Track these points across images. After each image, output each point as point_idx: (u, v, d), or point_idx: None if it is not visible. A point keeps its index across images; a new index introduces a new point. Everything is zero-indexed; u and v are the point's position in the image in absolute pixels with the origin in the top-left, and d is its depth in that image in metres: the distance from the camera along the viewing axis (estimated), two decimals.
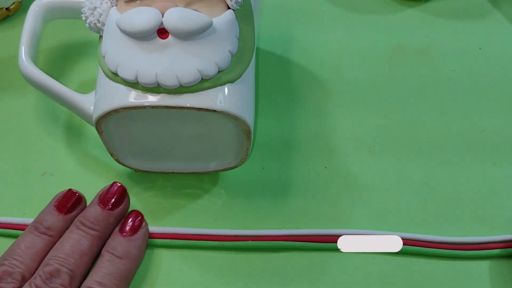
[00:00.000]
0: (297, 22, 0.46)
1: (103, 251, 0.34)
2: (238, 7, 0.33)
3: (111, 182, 0.36)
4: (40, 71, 0.36)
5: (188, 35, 0.31)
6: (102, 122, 0.33)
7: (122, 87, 0.32)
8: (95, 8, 0.33)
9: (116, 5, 0.33)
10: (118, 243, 0.34)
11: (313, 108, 0.41)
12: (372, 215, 0.37)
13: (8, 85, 0.42)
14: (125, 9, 0.32)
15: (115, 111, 0.32)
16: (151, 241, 0.36)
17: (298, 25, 0.45)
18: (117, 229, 0.35)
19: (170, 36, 0.31)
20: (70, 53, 0.44)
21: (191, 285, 0.35)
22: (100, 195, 0.36)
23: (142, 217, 0.36)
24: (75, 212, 0.35)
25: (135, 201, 0.38)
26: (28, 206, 0.37)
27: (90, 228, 0.34)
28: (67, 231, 0.34)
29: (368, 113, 0.41)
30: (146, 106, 0.31)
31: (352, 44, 0.44)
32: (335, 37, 0.45)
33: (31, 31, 0.37)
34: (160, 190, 0.38)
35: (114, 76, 0.32)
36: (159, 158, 0.37)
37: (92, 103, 0.34)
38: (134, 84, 0.31)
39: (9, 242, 0.35)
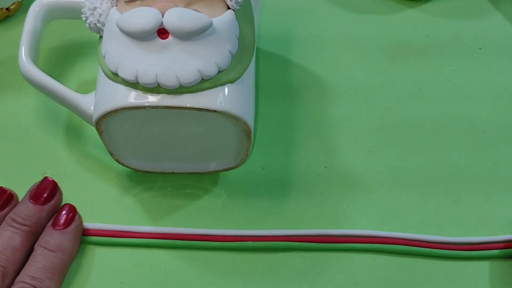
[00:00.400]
0: (297, 22, 0.45)
1: (35, 246, 0.34)
2: (238, 7, 0.33)
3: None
4: (40, 71, 0.36)
5: (188, 35, 0.31)
6: (102, 122, 0.33)
7: (122, 87, 0.31)
8: (95, 8, 0.33)
9: (116, 5, 0.33)
10: (50, 236, 0.34)
11: (313, 108, 0.41)
12: (372, 215, 0.37)
13: (8, 85, 0.42)
14: (125, 9, 0.32)
15: (115, 111, 0.32)
16: (150, 241, 0.36)
17: (298, 25, 0.45)
18: (50, 223, 0.35)
19: (170, 36, 0.31)
20: (70, 53, 0.44)
21: (191, 285, 0.35)
22: (31, 191, 0.35)
23: (75, 210, 0.35)
24: (6, 209, 0.35)
25: (135, 201, 0.38)
26: None
27: (21, 224, 0.34)
28: None
29: (368, 113, 0.41)
30: (146, 106, 0.31)
31: (352, 44, 0.44)
32: (335, 37, 0.45)
33: (31, 31, 0.37)
34: (160, 190, 0.38)
35: (114, 76, 0.32)
36: (159, 158, 0.37)
37: (92, 103, 0.34)
38: (134, 84, 0.31)
39: None
